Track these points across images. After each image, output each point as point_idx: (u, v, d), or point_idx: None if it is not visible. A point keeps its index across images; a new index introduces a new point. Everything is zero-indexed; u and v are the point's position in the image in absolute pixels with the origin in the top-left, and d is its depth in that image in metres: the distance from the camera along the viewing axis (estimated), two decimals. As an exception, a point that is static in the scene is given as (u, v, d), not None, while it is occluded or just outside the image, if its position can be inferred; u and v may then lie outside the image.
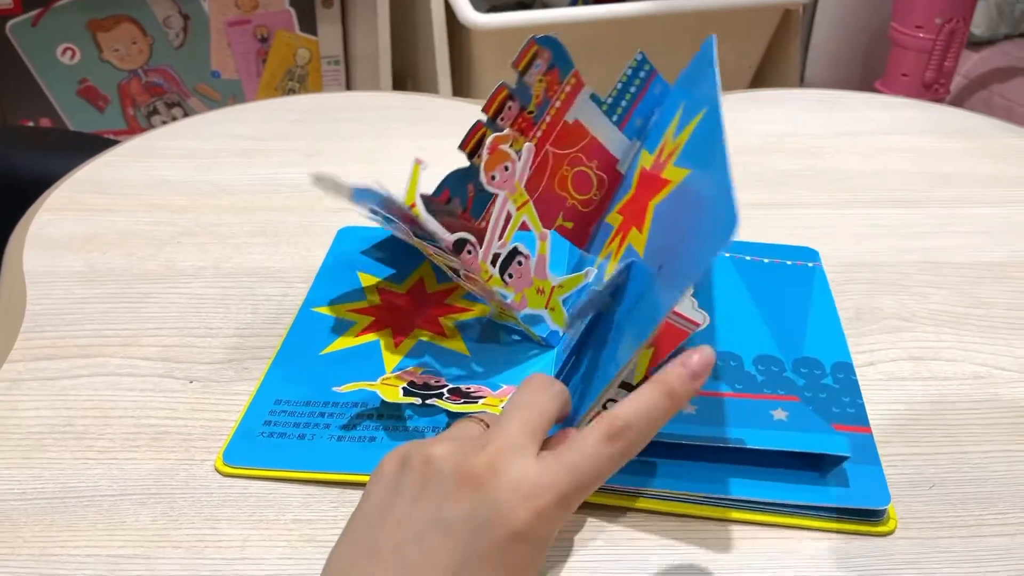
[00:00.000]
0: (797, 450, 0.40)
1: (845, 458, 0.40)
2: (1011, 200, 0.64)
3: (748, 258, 0.54)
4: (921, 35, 1.29)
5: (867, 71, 1.49)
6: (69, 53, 1.31)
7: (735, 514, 0.40)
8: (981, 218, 0.62)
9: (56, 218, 0.60)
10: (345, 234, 0.58)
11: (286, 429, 0.43)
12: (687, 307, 0.43)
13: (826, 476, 0.41)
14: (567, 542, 0.39)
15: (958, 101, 1.45)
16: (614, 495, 0.40)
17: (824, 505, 0.40)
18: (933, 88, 1.33)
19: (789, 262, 0.54)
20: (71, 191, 0.63)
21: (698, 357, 0.34)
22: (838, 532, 0.40)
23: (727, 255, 0.54)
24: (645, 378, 0.40)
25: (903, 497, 0.41)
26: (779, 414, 0.42)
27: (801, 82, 1.52)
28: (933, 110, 0.78)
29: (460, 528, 0.31)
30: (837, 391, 0.45)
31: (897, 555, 0.39)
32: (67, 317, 0.51)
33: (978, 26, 1.48)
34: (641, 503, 0.40)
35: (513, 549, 0.31)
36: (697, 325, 0.44)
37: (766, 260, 0.54)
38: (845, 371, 0.46)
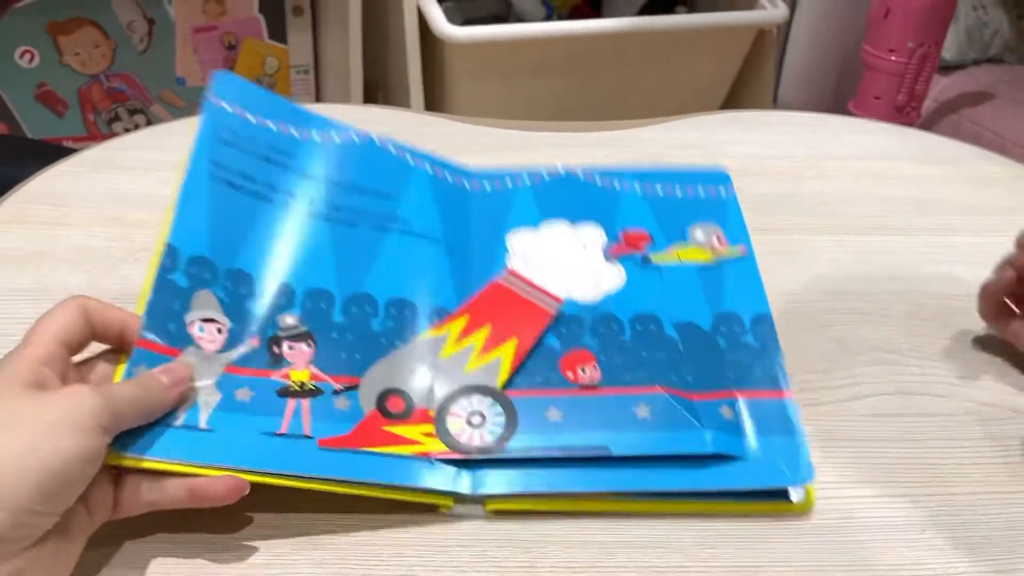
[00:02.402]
0: (663, 452, 0.40)
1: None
2: (992, 229, 0.63)
3: (660, 191, 0.51)
4: (893, 59, 1.30)
5: (840, 93, 1.50)
6: (28, 56, 1.26)
7: (647, 506, 0.40)
8: (964, 247, 0.61)
9: (4, 232, 0.57)
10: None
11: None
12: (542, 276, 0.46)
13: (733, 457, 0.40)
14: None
15: (928, 125, 1.46)
16: (518, 500, 0.40)
17: (730, 489, 0.40)
18: (905, 111, 1.34)
19: (703, 192, 0.52)
20: (22, 202, 0.60)
21: (176, 364, 0.38)
22: (752, 515, 0.40)
23: (637, 187, 0.52)
24: (510, 380, 0.42)
25: (893, 543, 0.40)
26: (642, 411, 0.41)
27: (774, 102, 1.52)
28: (911, 136, 0.77)
29: None
30: (757, 350, 0.45)
31: (888, 605, 0.37)
32: (15, 339, 0.48)
33: (947, 50, 1.49)
34: (552, 504, 0.40)
35: None
36: (560, 301, 0.45)
37: (679, 194, 0.52)
38: (764, 324, 0.46)
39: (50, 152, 0.84)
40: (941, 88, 1.49)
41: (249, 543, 0.38)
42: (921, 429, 0.46)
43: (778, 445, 0.41)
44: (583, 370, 0.43)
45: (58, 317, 0.38)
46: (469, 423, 0.41)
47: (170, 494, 0.36)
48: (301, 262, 0.44)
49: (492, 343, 0.43)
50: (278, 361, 0.41)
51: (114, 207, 0.60)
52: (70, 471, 0.32)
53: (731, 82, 1.44)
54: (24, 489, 0.31)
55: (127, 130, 0.97)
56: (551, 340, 0.44)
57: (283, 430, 0.39)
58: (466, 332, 0.43)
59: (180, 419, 0.37)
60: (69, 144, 1.30)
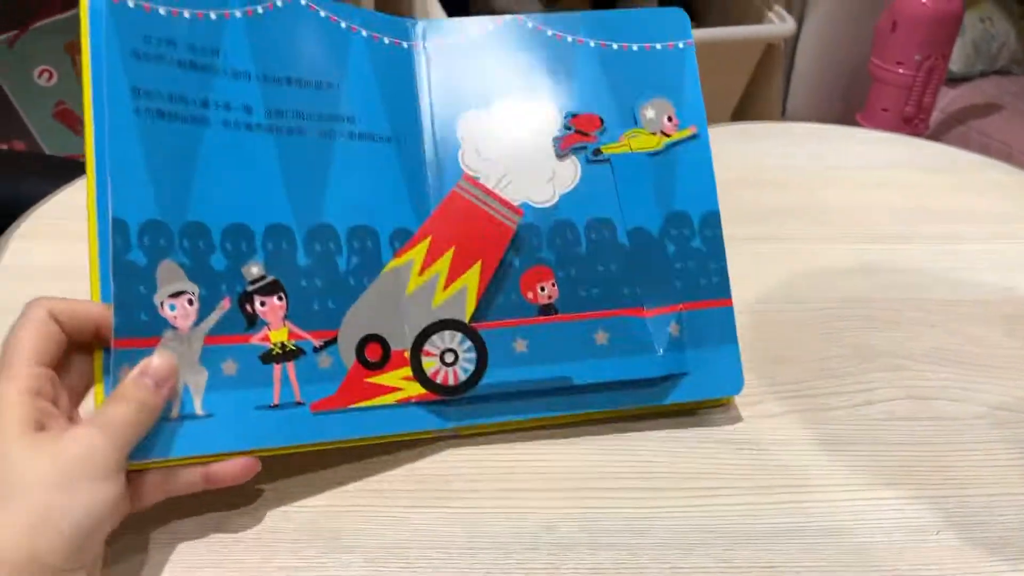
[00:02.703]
0: (619, 379, 0.44)
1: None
2: (997, 236, 0.64)
3: (615, 46, 0.48)
4: (901, 71, 1.31)
5: (848, 104, 1.51)
6: (46, 75, 1.29)
7: (595, 415, 0.45)
8: (969, 254, 0.61)
9: (31, 245, 0.58)
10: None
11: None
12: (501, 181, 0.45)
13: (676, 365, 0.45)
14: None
15: (936, 136, 1.47)
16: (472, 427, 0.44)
17: (674, 404, 0.45)
18: (913, 123, 1.35)
19: (659, 45, 0.48)
20: (48, 217, 0.61)
21: (157, 362, 0.37)
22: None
23: (592, 44, 0.48)
24: (480, 309, 0.44)
25: (910, 544, 0.40)
26: (601, 338, 0.45)
27: (783, 114, 1.53)
28: (916, 145, 0.78)
29: None
30: (704, 255, 0.46)
31: (905, 604, 0.38)
32: (42, 349, 0.49)
33: (955, 63, 1.50)
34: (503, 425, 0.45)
35: None
36: (520, 213, 0.45)
37: (635, 47, 0.48)
38: (712, 225, 0.47)
39: (71, 167, 0.86)
40: (949, 100, 1.50)
41: (276, 546, 0.39)
42: (935, 433, 0.46)
43: (717, 356, 0.46)
44: (542, 288, 0.45)
45: (30, 335, 0.35)
46: (442, 361, 0.43)
47: (186, 481, 0.37)
48: (253, 194, 0.41)
49: (457, 270, 0.44)
50: (253, 322, 0.40)
51: (138, 221, 0.61)
52: (97, 521, 0.33)
53: (740, 94, 1.46)
54: (55, 552, 0.31)
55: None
56: (510, 256, 0.45)
57: (276, 401, 0.40)
58: (429, 259, 0.44)
59: (175, 410, 0.38)
60: (86, 161, 1.32)
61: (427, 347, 0.43)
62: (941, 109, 1.48)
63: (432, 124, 0.46)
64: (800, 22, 1.46)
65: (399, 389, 0.42)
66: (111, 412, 0.35)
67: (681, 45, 0.49)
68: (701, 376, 0.45)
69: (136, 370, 0.36)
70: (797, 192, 0.68)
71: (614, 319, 0.45)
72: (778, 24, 1.35)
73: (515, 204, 0.45)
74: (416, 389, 0.42)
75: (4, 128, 1.30)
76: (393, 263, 0.43)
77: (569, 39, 0.48)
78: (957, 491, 0.43)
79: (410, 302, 0.43)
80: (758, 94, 1.45)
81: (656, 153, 0.47)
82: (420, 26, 0.47)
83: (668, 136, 0.47)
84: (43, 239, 0.59)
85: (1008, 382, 0.50)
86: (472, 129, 0.46)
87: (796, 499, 0.42)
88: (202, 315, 0.39)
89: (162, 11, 0.40)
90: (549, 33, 0.48)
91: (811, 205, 0.67)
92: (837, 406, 0.48)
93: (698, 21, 1.53)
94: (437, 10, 1.25)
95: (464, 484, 0.42)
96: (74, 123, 1.33)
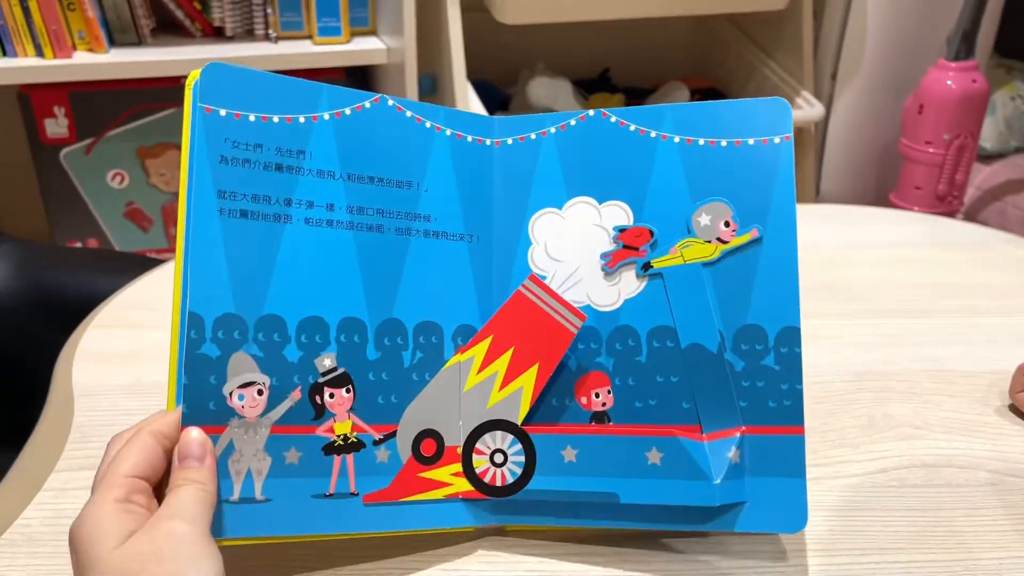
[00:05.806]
0: (668, 503, 0.42)
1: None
2: (1017, 310, 0.66)
3: (702, 142, 0.45)
4: (931, 150, 1.33)
5: (881, 184, 1.53)
6: (118, 178, 1.39)
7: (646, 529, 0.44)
8: (988, 328, 0.63)
9: (104, 334, 0.63)
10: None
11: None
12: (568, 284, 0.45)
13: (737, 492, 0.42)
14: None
15: (973, 212, 1.48)
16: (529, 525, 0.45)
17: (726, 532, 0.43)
18: (947, 200, 1.36)
19: (752, 140, 0.45)
20: (119, 308, 0.67)
21: (185, 442, 0.39)
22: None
23: (676, 140, 0.45)
24: (533, 411, 0.44)
25: (917, 603, 0.42)
26: (653, 456, 0.43)
27: (817, 196, 1.56)
28: (939, 223, 0.81)
29: None
30: (777, 374, 0.43)
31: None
32: (112, 428, 0.53)
33: (988, 140, 1.52)
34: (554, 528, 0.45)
35: None
36: (582, 318, 0.44)
37: (724, 143, 0.45)
38: (790, 342, 0.43)
39: (139, 263, 0.92)
40: (984, 176, 1.52)
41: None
42: (946, 499, 0.48)
43: (780, 488, 0.42)
44: (596, 395, 0.44)
45: (131, 452, 0.39)
46: (492, 461, 0.44)
47: None
48: (330, 287, 0.43)
49: (514, 370, 0.44)
50: (321, 414, 0.42)
51: (199, 310, 0.66)
52: None
53: (773, 178, 1.49)
54: None
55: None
56: (568, 359, 0.45)
57: (331, 491, 0.42)
58: (489, 358, 0.44)
59: (237, 494, 0.40)
60: (153, 256, 1.41)
61: (479, 445, 0.44)
62: (977, 186, 1.50)
63: (504, 222, 0.46)
64: (828, 107, 1.50)
65: (448, 484, 0.44)
66: (175, 499, 0.38)
67: (777, 140, 0.45)
68: (760, 507, 0.42)
69: (175, 458, 0.39)
70: (821, 270, 0.71)
71: (669, 439, 0.43)
72: (806, 109, 1.39)
73: (578, 307, 0.45)
74: (464, 485, 0.44)
75: (79, 227, 1.40)
76: (455, 359, 0.45)
77: (652, 134, 0.46)
78: (966, 555, 0.44)
79: (466, 399, 0.44)
80: (791, 176, 1.48)
81: (712, 262, 0.44)
82: (500, 122, 0.48)
83: (725, 243, 0.44)
84: (116, 328, 0.64)
85: (1017, 450, 0.52)
86: (543, 229, 0.46)
87: (812, 563, 0.44)
88: (271, 405, 0.41)
89: (252, 117, 0.42)
90: (632, 128, 0.46)
91: (833, 282, 0.69)
92: (851, 474, 0.50)
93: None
94: (477, 106, 1.32)
95: None
96: (142, 221, 1.43)
